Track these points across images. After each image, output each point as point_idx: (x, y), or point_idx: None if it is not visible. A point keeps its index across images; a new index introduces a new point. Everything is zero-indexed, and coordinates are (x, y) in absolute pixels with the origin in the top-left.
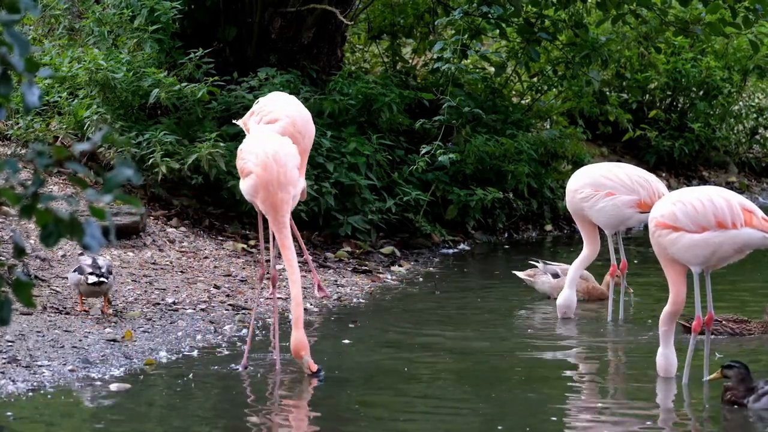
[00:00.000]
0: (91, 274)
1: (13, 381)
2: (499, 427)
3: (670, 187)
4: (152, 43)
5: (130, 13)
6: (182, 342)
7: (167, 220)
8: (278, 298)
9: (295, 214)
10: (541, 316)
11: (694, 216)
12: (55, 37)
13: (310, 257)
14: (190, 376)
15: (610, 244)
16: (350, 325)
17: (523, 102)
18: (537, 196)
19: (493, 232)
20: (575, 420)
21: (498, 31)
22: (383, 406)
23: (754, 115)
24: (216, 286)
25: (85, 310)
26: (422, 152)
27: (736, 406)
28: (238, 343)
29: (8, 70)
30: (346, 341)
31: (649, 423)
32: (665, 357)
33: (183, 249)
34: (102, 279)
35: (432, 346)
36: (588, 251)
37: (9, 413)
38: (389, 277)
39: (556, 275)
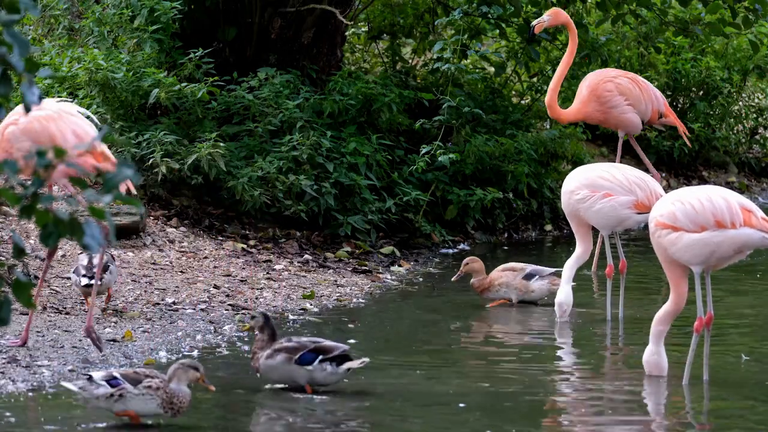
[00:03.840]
0: (84, 276)
1: (13, 381)
2: (498, 426)
3: (669, 187)
4: (152, 43)
5: (130, 13)
6: (182, 342)
7: (167, 220)
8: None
9: (295, 214)
10: (541, 316)
11: (693, 216)
12: (55, 37)
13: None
14: None
15: (606, 245)
16: (350, 326)
17: (523, 102)
18: (537, 196)
19: (492, 232)
20: (575, 420)
21: (498, 31)
22: (383, 405)
23: (754, 115)
24: (216, 286)
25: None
26: (422, 152)
27: (257, 374)
28: (238, 344)
29: (8, 70)
30: (347, 341)
31: (649, 423)
32: (659, 355)
33: (183, 249)
34: (91, 282)
35: (431, 345)
36: (581, 250)
37: (9, 414)
38: (389, 277)
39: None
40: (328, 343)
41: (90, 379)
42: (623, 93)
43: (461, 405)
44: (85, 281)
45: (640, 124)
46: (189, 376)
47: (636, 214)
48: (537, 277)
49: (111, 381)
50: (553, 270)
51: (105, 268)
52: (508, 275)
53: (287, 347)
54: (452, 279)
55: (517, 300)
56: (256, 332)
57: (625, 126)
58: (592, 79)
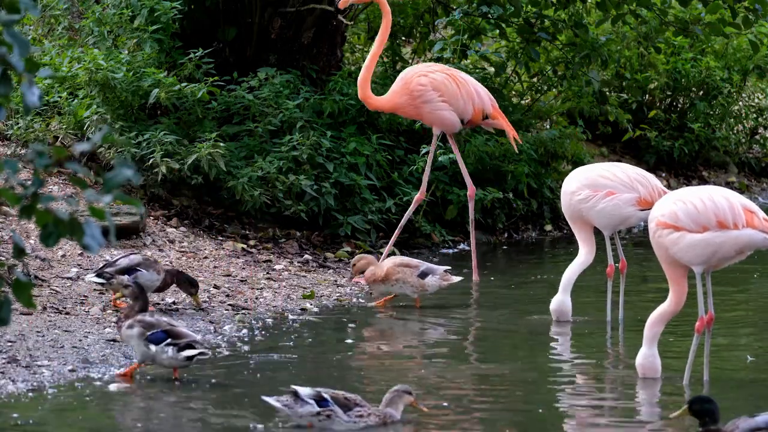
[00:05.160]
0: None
1: (13, 381)
2: (497, 425)
3: (669, 187)
4: (152, 43)
5: (130, 13)
6: None
7: (167, 220)
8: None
9: (295, 214)
10: (540, 316)
11: (695, 215)
12: (55, 37)
13: None
14: (190, 376)
15: (607, 245)
16: (350, 325)
17: (523, 102)
18: (537, 196)
19: (492, 232)
20: (575, 420)
21: (498, 31)
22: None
23: (754, 115)
24: (216, 286)
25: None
26: (422, 152)
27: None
28: (238, 344)
29: (8, 70)
30: (347, 341)
31: (648, 423)
32: (653, 357)
33: (183, 249)
34: (97, 279)
35: (432, 345)
36: (585, 255)
37: (14, 414)
38: None
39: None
40: (182, 329)
41: (295, 395)
42: (437, 88)
43: (461, 401)
44: (92, 278)
45: (458, 122)
46: (404, 401)
47: (639, 211)
48: (430, 275)
49: (320, 402)
50: (445, 267)
51: (131, 271)
52: (405, 271)
53: (146, 322)
54: (349, 281)
55: (412, 294)
56: (131, 300)
57: (440, 123)
58: (408, 72)
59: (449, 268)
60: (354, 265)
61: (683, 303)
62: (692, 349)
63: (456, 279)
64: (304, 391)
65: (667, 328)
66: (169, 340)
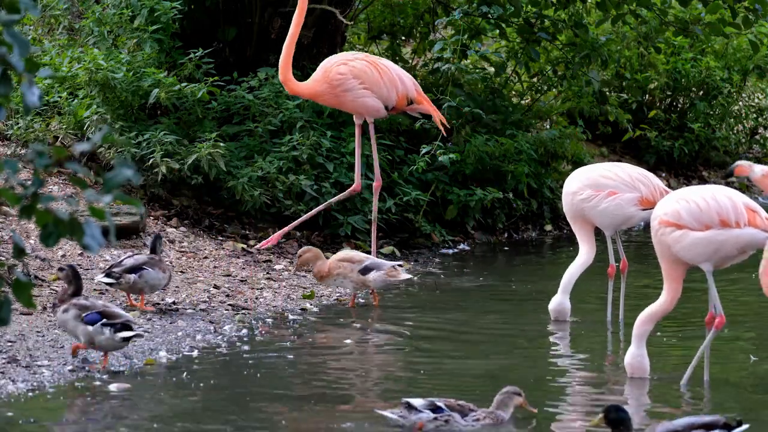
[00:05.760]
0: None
1: (13, 381)
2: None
3: (669, 187)
4: (152, 43)
5: (130, 13)
6: (182, 342)
7: (167, 220)
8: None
9: (296, 214)
10: (540, 315)
11: (698, 214)
12: (55, 37)
13: None
14: (190, 376)
15: (608, 245)
16: (351, 325)
17: (523, 102)
18: (537, 196)
19: (492, 232)
20: (574, 420)
21: (498, 31)
22: (384, 406)
23: (754, 115)
24: (216, 286)
25: (132, 305)
26: (422, 152)
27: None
28: (238, 344)
29: (8, 70)
30: (346, 341)
31: (647, 424)
32: (642, 356)
33: (183, 249)
34: (107, 279)
35: (431, 344)
36: (586, 255)
37: (10, 413)
38: None
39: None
40: (116, 310)
41: (409, 406)
42: (358, 76)
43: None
44: (102, 278)
45: (382, 109)
46: (514, 402)
47: (641, 210)
48: (374, 270)
49: (435, 410)
50: (393, 263)
51: (136, 270)
52: (345, 267)
53: (80, 304)
54: (292, 273)
55: (354, 291)
56: (65, 284)
57: (365, 111)
58: (328, 61)
59: (401, 264)
60: (300, 256)
61: (675, 303)
62: (704, 346)
63: (405, 276)
64: (418, 402)
65: (670, 328)
66: (104, 321)
